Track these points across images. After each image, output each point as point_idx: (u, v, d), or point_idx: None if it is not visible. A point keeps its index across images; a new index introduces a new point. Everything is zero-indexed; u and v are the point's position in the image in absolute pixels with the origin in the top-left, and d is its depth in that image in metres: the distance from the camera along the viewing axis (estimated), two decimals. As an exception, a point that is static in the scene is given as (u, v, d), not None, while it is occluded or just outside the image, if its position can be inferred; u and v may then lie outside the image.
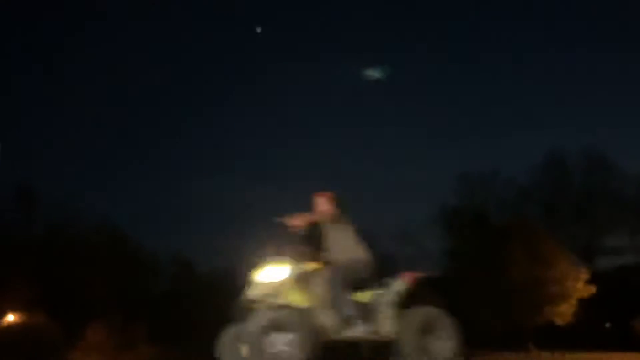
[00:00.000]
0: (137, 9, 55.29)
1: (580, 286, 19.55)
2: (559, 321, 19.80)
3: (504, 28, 60.69)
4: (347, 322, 4.11)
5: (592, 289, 19.65)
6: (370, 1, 58.17)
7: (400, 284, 4.29)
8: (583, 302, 19.86)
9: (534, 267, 19.46)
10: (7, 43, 51.61)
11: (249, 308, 4.26)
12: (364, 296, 4.29)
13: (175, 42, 58.39)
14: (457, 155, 58.14)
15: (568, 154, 36.34)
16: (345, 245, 4.37)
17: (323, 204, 4.55)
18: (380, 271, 4.44)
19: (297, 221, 4.30)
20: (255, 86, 59.02)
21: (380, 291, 4.30)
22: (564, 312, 19.58)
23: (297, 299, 4.16)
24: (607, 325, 25.19)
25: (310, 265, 4.34)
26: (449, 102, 63.46)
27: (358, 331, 4.14)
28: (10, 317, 21.02)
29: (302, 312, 4.14)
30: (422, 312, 4.22)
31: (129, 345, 21.60)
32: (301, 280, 4.23)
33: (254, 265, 4.38)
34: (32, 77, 58.13)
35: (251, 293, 4.28)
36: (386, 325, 4.17)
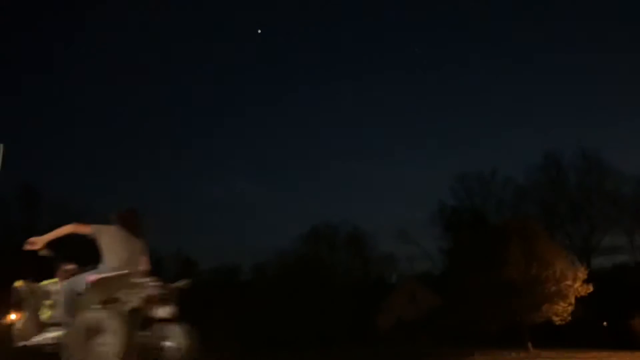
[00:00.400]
0: (139, 10, 55.25)
1: (578, 285, 19.59)
2: (557, 320, 19.80)
3: (502, 29, 60.99)
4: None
5: (590, 288, 19.70)
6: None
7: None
8: (580, 301, 19.92)
9: (532, 266, 19.43)
10: (11, 44, 51.63)
11: None
12: None
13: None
14: (456, 155, 58.42)
15: (565, 155, 36.68)
16: (106, 257, 4.39)
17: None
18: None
19: (34, 245, 4.51)
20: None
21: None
22: (562, 311, 19.57)
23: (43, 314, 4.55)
24: (605, 323, 25.35)
25: (56, 282, 4.63)
26: (448, 103, 63.70)
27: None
28: (13, 317, 21.11)
29: None
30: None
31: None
32: (48, 296, 4.60)
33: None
34: (36, 78, 58.13)
35: None
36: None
